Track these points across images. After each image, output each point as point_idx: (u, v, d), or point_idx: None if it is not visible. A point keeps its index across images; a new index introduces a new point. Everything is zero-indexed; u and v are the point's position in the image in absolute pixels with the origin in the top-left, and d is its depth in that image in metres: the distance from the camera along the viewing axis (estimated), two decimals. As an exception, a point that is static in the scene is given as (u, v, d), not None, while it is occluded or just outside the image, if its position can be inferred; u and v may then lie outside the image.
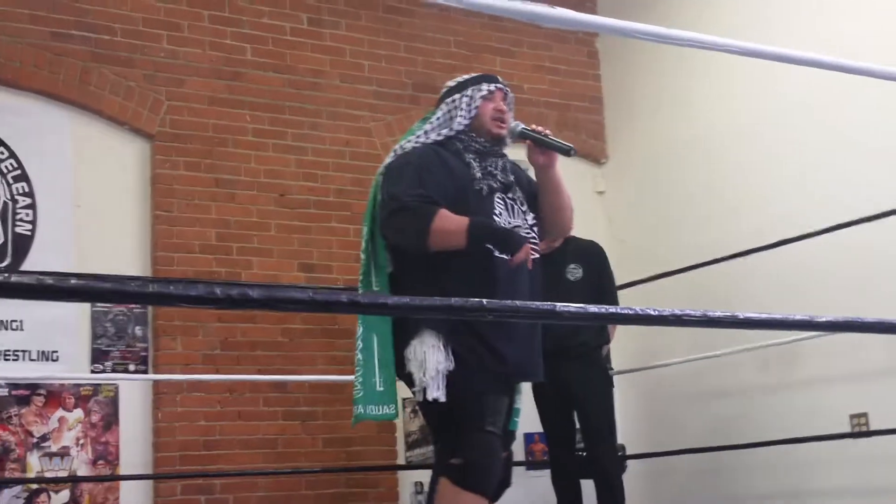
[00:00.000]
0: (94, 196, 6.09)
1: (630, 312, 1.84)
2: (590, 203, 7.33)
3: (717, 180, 6.78)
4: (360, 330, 3.75)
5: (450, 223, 3.49)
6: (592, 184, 7.50)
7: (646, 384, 6.97)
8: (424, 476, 5.29)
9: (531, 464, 6.68)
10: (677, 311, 1.87)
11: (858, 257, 5.71)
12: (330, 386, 6.30)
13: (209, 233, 6.25)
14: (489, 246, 3.53)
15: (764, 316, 1.92)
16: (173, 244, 6.12)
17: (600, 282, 5.69)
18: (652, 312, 1.85)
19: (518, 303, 1.74)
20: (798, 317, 1.96)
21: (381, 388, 3.72)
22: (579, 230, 5.87)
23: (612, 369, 6.10)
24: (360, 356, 3.75)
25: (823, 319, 1.98)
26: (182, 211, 6.20)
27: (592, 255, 5.75)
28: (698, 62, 7.01)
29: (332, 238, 6.53)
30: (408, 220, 3.55)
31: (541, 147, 3.66)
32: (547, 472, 5.80)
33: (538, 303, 1.75)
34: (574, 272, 5.64)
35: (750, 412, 6.38)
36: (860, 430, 5.70)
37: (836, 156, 6.03)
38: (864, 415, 5.80)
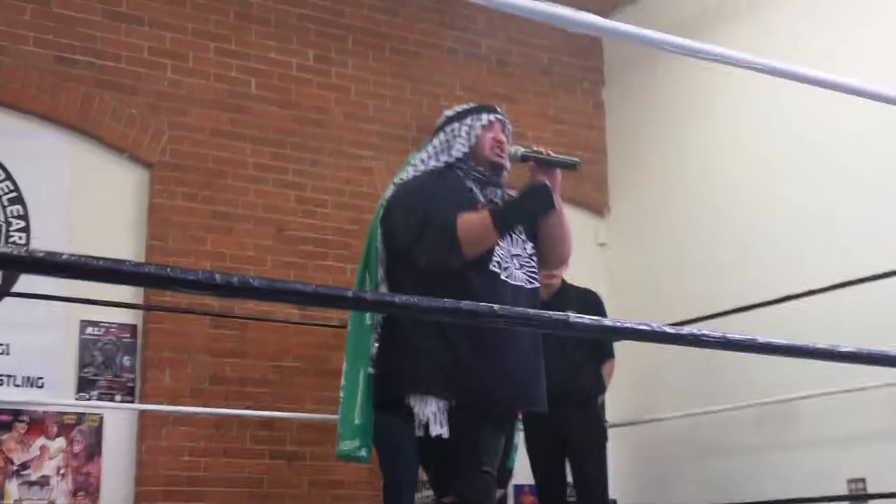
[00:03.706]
0: (90, 222, 6.00)
1: (647, 329, 1.75)
2: (591, 254, 7.27)
3: (719, 233, 6.71)
4: (345, 366, 3.66)
5: (473, 226, 3.43)
6: (594, 235, 7.44)
7: (639, 438, 6.85)
8: (411, 521, 5.17)
9: (521, 515, 6.54)
10: (695, 331, 1.79)
11: (873, 312, 5.58)
12: (318, 426, 6.18)
13: (204, 265, 6.15)
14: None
15: (784, 342, 1.84)
16: (167, 274, 6.02)
17: None
18: (669, 330, 1.76)
19: (531, 311, 1.66)
20: (820, 345, 1.87)
21: (358, 422, 3.62)
22: (580, 280, 5.82)
23: (606, 422, 6.00)
24: (342, 394, 3.67)
25: (845, 349, 1.89)
26: (177, 242, 6.12)
27: (590, 303, 5.68)
28: (702, 114, 6.99)
29: (328, 276, 6.43)
30: (433, 238, 3.45)
31: (545, 167, 3.53)
32: (537, 525, 5.68)
33: (551, 312, 1.66)
34: None
35: (745, 471, 6.26)
36: (857, 495, 5.58)
37: (842, 206, 5.96)
38: (863, 480, 5.68)
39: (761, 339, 1.80)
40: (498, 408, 3.46)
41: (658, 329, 1.76)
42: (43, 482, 5.63)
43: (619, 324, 1.71)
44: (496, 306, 1.61)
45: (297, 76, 6.68)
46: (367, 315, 3.62)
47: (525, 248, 3.62)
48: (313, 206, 6.54)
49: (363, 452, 3.65)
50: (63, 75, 6.04)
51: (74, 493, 5.69)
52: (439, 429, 3.33)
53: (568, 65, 7.71)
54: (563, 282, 5.72)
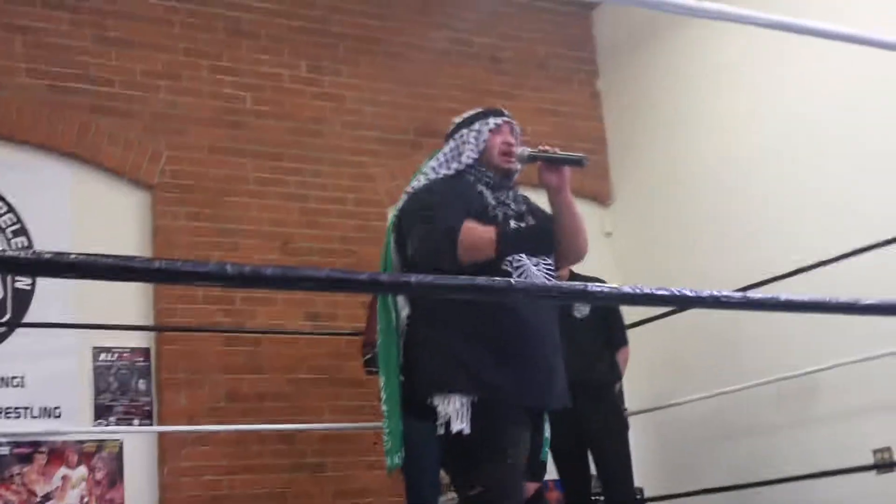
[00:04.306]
0: (95, 248, 5.91)
1: (667, 294, 1.73)
2: (598, 245, 7.19)
3: (726, 213, 6.68)
4: (382, 379, 3.68)
5: (477, 238, 3.44)
6: (600, 225, 7.39)
7: (661, 424, 6.81)
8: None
9: (547, 511, 6.50)
10: (715, 293, 1.76)
11: (887, 279, 5.52)
12: (338, 436, 6.15)
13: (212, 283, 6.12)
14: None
15: (807, 298, 1.81)
16: (176, 295, 6.01)
17: (608, 318, 5.58)
18: (689, 293, 1.73)
19: (549, 283, 1.63)
20: (842, 299, 1.84)
21: (401, 433, 3.67)
22: (588, 271, 5.78)
23: (625, 409, 5.97)
24: (385, 407, 3.68)
25: (868, 302, 1.85)
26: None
27: None
28: (700, 98, 6.97)
29: (337, 285, 6.40)
30: (435, 239, 3.47)
31: (552, 165, 3.54)
32: (563, 521, 5.64)
33: (569, 283, 1.63)
34: (581, 309, 5.53)
35: (770, 449, 6.22)
36: (885, 463, 5.54)
37: (851, 178, 5.93)
38: (888, 448, 5.64)
39: (784, 296, 1.76)
40: (520, 405, 3.46)
41: (678, 293, 1.73)
42: (67, 512, 5.60)
43: (638, 290, 1.68)
44: (513, 280, 1.59)
45: (291, 88, 6.66)
46: (392, 322, 3.62)
47: None
48: (317, 217, 6.52)
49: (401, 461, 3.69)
50: (58, 104, 6.03)
51: (99, 521, 5.66)
52: (460, 424, 3.34)
53: (562, 57, 7.69)
54: (571, 272, 5.67)
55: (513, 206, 3.65)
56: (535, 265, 3.53)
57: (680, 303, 1.69)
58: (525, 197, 3.80)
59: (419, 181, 3.75)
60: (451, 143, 3.76)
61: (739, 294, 1.74)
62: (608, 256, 7.30)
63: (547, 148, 3.60)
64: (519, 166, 3.71)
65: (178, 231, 6.14)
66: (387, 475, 4.05)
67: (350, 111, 6.79)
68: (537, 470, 3.63)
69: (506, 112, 3.84)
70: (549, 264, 3.61)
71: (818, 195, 6.12)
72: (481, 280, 1.56)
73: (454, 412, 3.35)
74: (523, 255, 3.51)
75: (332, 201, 6.58)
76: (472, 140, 3.70)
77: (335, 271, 1.50)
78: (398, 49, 7.08)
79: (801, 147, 6.26)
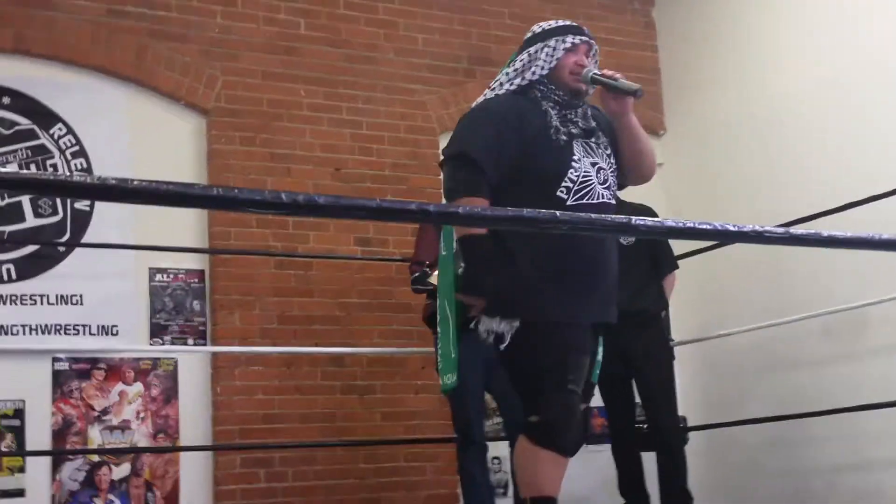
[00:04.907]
0: (151, 171, 6.06)
1: (709, 228, 1.77)
2: (648, 175, 7.22)
3: (777, 147, 6.65)
4: (438, 300, 3.77)
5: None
6: (651, 155, 7.38)
7: (707, 354, 6.86)
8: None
9: (590, 438, 6.59)
10: (758, 228, 1.79)
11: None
12: (387, 360, 6.27)
13: (265, 207, 6.21)
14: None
15: (850, 234, 1.83)
16: (229, 218, 6.10)
17: (655, 245, 5.58)
18: (731, 227, 1.77)
19: (593, 216, 1.68)
20: (885, 236, 1.87)
21: (454, 356, 3.76)
22: (637, 200, 5.79)
23: (671, 339, 6.01)
24: (439, 328, 3.81)
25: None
26: (238, 186, 6.17)
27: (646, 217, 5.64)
28: (756, 29, 6.90)
29: (388, 212, 6.47)
30: (451, 180, 3.57)
31: (611, 92, 3.59)
32: (607, 447, 5.71)
33: (612, 216, 1.68)
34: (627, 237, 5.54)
35: (815, 382, 6.24)
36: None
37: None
38: (935, 382, 5.65)
39: (826, 232, 1.79)
40: (578, 325, 3.53)
41: (721, 227, 1.77)
42: (124, 426, 5.78)
43: (681, 224, 1.72)
44: (558, 213, 1.63)
45: (345, 14, 6.68)
46: (453, 246, 3.67)
47: (610, 162, 3.68)
48: (369, 144, 6.57)
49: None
50: (116, 28, 6.09)
51: (155, 436, 5.84)
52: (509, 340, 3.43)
53: (617, -14, 7.63)
54: (619, 200, 5.68)
55: (581, 123, 3.65)
56: (602, 183, 3.60)
57: (722, 237, 1.73)
58: (597, 111, 3.77)
59: (485, 95, 3.76)
60: (525, 57, 3.69)
61: (782, 229, 1.77)
62: (658, 186, 7.26)
63: (607, 73, 3.62)
64: (587, 87, 3.69)
65: (232, 155, 6.22)
66: (442, 394, 4.16)
67: (403, 38, 6.80)
68: (587, 391, 3.69)
69: (586, 31, 3.75)
70: (614, 183, 3.69)
71: (875, 129, 6.07)
72: (527, 212, 1.60)
73: (507, 330, 3.43)
74: (591, 173, 3.56)
75: (385, 128, 6.62)
76: (543, 57, 3.65)
77: (385, 201, 1.55)
78: (452, -24, 7.06)
79: (854, 82, 6.20)
